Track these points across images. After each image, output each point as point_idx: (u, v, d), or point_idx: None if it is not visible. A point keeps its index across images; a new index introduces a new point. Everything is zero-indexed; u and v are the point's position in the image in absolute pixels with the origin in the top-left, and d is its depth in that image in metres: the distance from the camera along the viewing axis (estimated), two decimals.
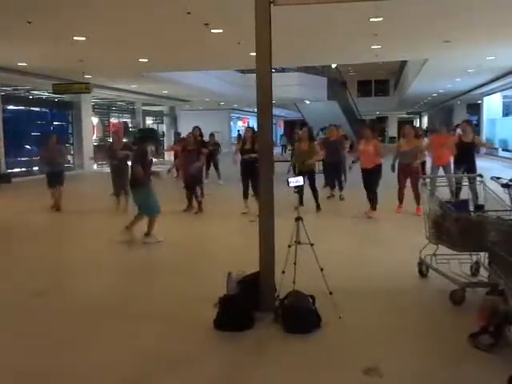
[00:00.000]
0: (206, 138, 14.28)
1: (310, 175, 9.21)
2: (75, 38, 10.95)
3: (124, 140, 13.75)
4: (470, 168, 9.23)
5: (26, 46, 12.08)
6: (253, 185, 9.64)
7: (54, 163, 10.33)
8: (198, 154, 9.79)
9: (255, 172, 9.45)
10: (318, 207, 9.43)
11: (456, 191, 8.09)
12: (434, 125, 36.33)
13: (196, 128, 12.06)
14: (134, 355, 3.67)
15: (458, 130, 11.12)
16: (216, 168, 14.76)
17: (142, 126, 26.24)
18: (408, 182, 9.08)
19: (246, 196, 9.51)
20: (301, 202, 9.04)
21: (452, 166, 9.69)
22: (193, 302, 4.67)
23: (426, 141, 9.49)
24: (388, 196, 9.35)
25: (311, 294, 4.18)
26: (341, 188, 11.28)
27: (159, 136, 23.19)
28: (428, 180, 6.08)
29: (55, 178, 10.26)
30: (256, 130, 11.93)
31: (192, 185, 9.63)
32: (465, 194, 6.55)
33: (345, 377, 3.32)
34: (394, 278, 5.31)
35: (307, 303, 4.10)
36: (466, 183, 7.43)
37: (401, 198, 9.17)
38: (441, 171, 9.59)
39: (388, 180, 9.39)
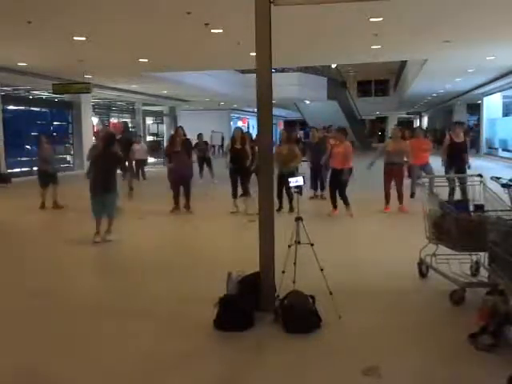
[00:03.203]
0: (207, 138, 14.39)
1: (289, 178, 9.13)
2: (75, 38, 10.95)
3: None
4: (461, 168, 9.62)
5: (25, 46, 12.09)
6: (242, 183, 9.70)
7: (46, 162, 10.38)
8: (186, 152, 9.77)
9: (243, 170, 9.62)
10: (291, 209, 9.19)
11: (450, 191, 8.40)
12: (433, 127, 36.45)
13: (180, 127, 11.87)
14: (134, 355, 3.67)
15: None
16: (210, 167, 14.80)
17: (141, 127, 26.28)
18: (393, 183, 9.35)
19: (235, 196, 9.67)
20: (280, 204, 9.12)
21: (431, 166, 10.27)
22: (193, 301, 4.67)
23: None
24: (381, 196, 9.38)
25: (311, 294, 4.18)
26: (322, 188, 11.33)
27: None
28: (425, 180, 6.09)
29: (49, 178, 10.28)
30: (244, 130, 11.99)
31: (180, 185, 9.58)
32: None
33: (345, 377, 3.32)
34: (394, 278, 5.31)
35: (307, 303, 4.10)
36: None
37: (387, 199, 9.32)
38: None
39: (377, 181, 9.49)
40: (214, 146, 29.82)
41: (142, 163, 16.12)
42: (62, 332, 4.13)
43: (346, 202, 8.95)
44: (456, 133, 9.93)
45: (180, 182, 9.55)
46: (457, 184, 8.56)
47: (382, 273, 5.53)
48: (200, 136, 15.27)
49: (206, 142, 15.35)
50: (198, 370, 3.43)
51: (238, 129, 10.62)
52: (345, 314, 4.19)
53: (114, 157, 7.40)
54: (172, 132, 15.32)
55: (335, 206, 9.13)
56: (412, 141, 10.82)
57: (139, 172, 15.92)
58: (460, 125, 10.65)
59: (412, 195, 10.48)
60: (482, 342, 3.56)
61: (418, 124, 47.32)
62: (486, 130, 26.90)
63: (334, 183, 9.14)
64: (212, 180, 14.49)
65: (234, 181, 9.74)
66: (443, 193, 7.37)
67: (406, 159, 9.52)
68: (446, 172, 9.85)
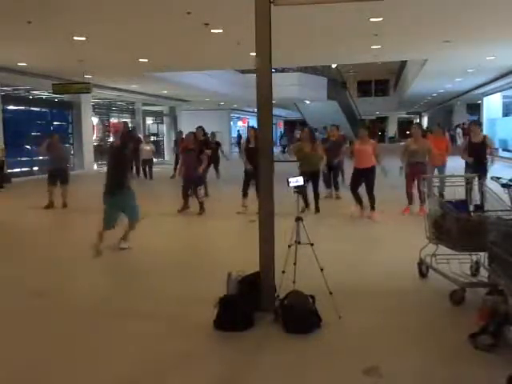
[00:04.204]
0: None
1: (314, 177, 9.21)
2: (75, 38, 10.95)
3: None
4: (480, 169, 8.69)
5: (25, 46, 12.09)
6: (257, 186, 9.68)
7: (60, 161, 10.44)
8: (198, 153, 9.77)
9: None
10: (317, 209, 9.29)
11: (466, 192, 8.07)
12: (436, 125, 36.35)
13: (199, 128, 12.09)
14: (134, 355, 3.67)
15: (458, 131, 11.25)
16: (216, 167, 14.83)
17: (141, 127, 26.27)
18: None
19: (245, 194, 9.57)
20: (305, 204, 9.08)
21: (446, 167, 9.94)
22: (193, 302, 4.67)
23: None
24: (391, 197, 9.34)
25: (311, 294, 4.18)
26: (337, 188, 11.33)
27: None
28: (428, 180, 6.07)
29: (59, 177, 10.32)
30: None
31: (190, 185, 9.59)
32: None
33: (345, 377, 3.32)
34: (394, 278, 5.31)
35: (307, 303, 4.10)
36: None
37: (410, 199, 9.04)
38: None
39: (392, 181, 9.42)
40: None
41: (149, 163, 16.22)
42: (62, 332, 4.13)
43: (373, 203, 8.76)
44: (474, 133, 9.37)
45: (191, 180, 9.55)
46: (474, 184, 8.23)
47: (382, 273, 5.53)
48: (213, 135, 15.37)
49: (217, 143, 15.36)
50: (197, 370, 3.43)
51: (251, 127, 10.63)
52: (345, 314, 4.19)
53: (124, 157, 6.75)
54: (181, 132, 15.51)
55: (361, 203, 8.90)
56: (430, 138, 10.51)
57: (145, 171, 16.08)
58: (476, 124, 9.95)
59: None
60: (481, 342, 3.56)
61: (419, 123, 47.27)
62: (485, 130, 26.87)
63: (357, 183, 8.87)
64: (216, 180, 14.50)
65: (247, 179, 9.61)
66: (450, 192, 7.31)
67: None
68: (466, 172, 9.22)
